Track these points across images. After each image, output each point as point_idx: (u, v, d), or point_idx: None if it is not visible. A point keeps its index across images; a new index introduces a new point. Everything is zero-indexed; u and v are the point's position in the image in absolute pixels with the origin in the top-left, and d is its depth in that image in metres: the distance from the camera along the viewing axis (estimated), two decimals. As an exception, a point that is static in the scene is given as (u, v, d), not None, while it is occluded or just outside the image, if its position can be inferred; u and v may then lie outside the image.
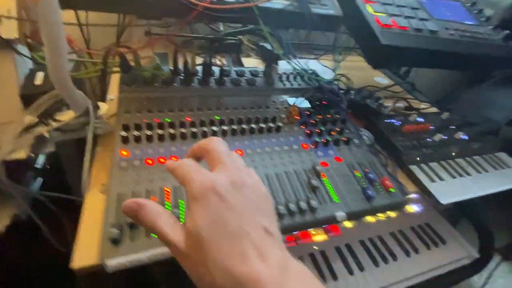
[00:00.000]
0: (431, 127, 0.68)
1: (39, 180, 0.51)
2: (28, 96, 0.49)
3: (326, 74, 0.79)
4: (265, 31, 0.52)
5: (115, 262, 0.32)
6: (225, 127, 0.50)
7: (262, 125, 0.54)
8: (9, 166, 0.42)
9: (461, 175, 0.59)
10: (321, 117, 0.60)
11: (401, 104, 0.81)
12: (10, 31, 0.49)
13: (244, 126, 0.52)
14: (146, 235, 0.35)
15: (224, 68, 0.61)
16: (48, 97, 0.48)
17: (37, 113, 0.48)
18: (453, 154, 0.64)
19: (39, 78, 0.52)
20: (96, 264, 0.32)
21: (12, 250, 0.50)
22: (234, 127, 0.51)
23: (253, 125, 0.52)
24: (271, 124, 0.54)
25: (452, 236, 0.69)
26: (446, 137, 0.66)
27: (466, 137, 0.68)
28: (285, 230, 0.41)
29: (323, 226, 0.64)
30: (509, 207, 1.04)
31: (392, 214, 0.73)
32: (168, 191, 0.40)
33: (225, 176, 0.23)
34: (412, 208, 0.76)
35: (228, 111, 0.55)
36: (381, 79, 0.99)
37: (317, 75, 0.70)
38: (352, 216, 0.45)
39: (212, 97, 0.57)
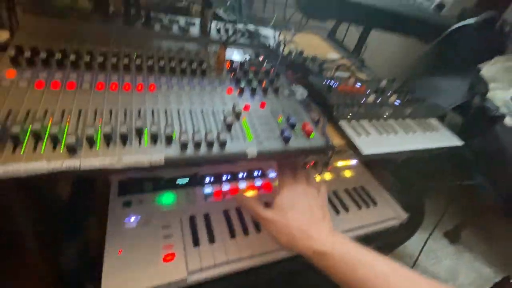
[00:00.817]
0: (367, 91, 0.69)
1: None
2: None
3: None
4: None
5: None
6: (139, 63, 0.47)
7: (186, 66, 0.50)
8: None
9: (388, 132, 0.60)
10: (254, 69, 0.58)
11: (344, 75, 0.82)
12: None
13: (163, 63, 0.49)
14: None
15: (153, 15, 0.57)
16: None
17: None
18: (385, 115, 0.65)
19: None
20: None
21: None
22: (151, 63, 0.48)
23: (174, 65, 0.49)
24: (195, 67, 0.51)
25: (384, 199, 0.71)
26: (380, 99, 0.67)
27: (399, 102, 0.69)
28: (190, 161, 0.38)
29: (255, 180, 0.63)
30: (457, 196, 1.09)
31: (327, 176, 0.73)
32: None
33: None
34: (348, 172, 0.77)
35: (149, 52, 0.51)
36: (334, 54, 1.00)
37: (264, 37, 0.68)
38: (265, 154, 0.43)
39: (135, 37, 0.53)
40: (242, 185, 0.62)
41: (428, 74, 0.98)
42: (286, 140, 0.45)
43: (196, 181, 0.59)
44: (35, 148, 0.31)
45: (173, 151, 0.37)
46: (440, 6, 0.68)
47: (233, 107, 0.47)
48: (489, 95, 0.93)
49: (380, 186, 0.73)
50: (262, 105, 0.51)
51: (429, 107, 0.73)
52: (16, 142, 0.31)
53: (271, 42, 0.70)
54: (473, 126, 0.86)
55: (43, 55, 0.41)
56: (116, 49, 0.49)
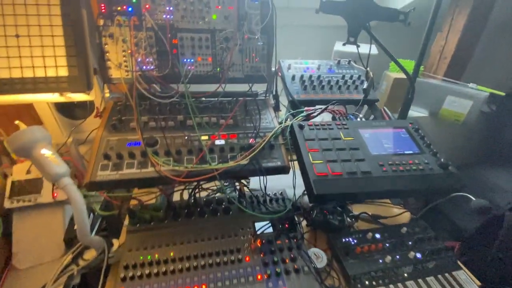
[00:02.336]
0: (386, 245, 0.77)
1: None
2: (70, 239, 0.73)
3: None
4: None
5: None
6: (197, 263, 0.67)
7: (227, 257, 0.69)
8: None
9: (407, 302, 0.65)
10: (280, 242, 0.74)
11: (367, 214, 0.91)
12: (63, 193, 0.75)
13: (212, 260, 0.68)
14: None
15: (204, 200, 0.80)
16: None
17: (73, 255, 0.70)
18: (405, 275, 0.70)
19: (77, 222, 0.76)
20: None
21: None
22: (204, 262, 0.68)
23: (218, 259, 0.68)
24: (233, 257, 0.69)
25: None
26: (398, 257, 0.73)
27: (420, 256, 0.74)
28: None
29: None
30: None
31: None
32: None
33: None
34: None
35: (203, 243, 0.72)
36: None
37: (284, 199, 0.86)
38: None
39: (193, 230, 0.76)
40: None
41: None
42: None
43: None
44: None
45: None
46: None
47: (262, 299, 0.62)
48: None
49: None
50: (285, 290, 0.64)
51: (451, 259, 0.75)
52: None
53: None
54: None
55: (140, 270, 0.65)
56: (182, 246, 0.71)
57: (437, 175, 0.75)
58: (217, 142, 0.75)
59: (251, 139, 0.77)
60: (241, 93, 0.90)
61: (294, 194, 0.86)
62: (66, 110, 1.07)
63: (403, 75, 1.45)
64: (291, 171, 0.77)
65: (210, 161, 0.70)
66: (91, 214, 0.81)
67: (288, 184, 0.83)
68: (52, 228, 0.74)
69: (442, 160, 0.77)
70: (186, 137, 0.75)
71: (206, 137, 0.76)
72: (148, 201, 0.81)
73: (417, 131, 0.87)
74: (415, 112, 1.53)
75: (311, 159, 0.74)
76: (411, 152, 0.81)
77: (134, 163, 0.68)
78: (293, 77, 1.05)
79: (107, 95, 0.86)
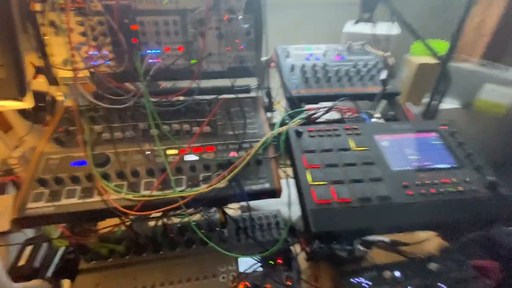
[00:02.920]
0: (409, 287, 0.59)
1: None
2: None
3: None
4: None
5: None
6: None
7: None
8: None
9: None
10: (269, 287, 0.58)
11: (384, 239, 0.73)
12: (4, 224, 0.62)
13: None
14: None
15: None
16: None
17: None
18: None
19: (24, 257, 0.63)
20: None
21: None
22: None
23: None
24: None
25: None
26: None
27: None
28: None
29: None
30: None
31: None
32: None
33: None
34: None
35: (173, 286, 0.57)
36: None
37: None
38: None
39: (161, 267, 0.60)
40: None
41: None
42: None
43: None
44: None
45: None
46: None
47: None
48: None
49: None
50: None
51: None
52: None
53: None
54: None
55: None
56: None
57: (483, 199, 0.55)
58: (187, 157, 0.59)
59: (233, 152, 0.60)
60: (221, 90, 0.72)
61: (290, 216, 0.69)
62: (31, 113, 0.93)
63: (428, 60, 1.21)
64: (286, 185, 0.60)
65: (174, 185, 0.53)
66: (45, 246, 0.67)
67: (283, 200, 0.66)
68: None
69: (489, 177, 0.57)
70: (147, 152, 0.59)
71: (174, 152, 0.59)
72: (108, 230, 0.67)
73: (453, 135, 0.66)
74: (443, 103, 1.29)
75: (309, 179, 0.56)
76: (445, 166, 0.60)
77: (77, 190, 0.53)
78: (292, 68, 0.85)
79: (60, 98, 0.71)
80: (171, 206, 0.51)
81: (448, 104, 1.27)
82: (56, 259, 0.61)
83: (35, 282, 0.53)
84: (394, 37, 0.96)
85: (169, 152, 0.59)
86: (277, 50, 0.92)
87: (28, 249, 0.64)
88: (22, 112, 0.86)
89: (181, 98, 0.68)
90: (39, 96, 0.70)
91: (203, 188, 0.53)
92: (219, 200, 0.55)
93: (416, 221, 0.53)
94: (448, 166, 0.60)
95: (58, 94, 0.70)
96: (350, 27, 1.15)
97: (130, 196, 0.52)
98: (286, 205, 0.64)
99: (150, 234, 0.64)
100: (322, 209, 0.52)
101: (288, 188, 0.60)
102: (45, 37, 0.61)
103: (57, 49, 0.62)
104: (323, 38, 1.41)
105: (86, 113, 0.64)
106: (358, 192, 0.54)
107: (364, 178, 0.57)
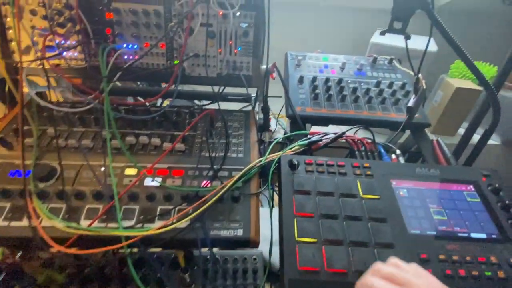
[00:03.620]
0: None
1: None
2: None
3: None
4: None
5: None
6: None
7: None
8: None
9: None
10: None
11: None
12: None
13: None
14: None
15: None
16: None
17: None
18: None
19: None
20: None
21: None
22: None
23: None
24: None
25: None
26: None
27: None
28: None
29: None
30: None
31: None
32: None
33: None
34: None
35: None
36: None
37: None
38: None
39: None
40: None
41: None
42: None
43: None
44: None
45: None
46: None
47: None
48: None
49: None
50: None
51: None
52: None
53: None
54: None
55: None
56: None
57: (536, 294, 0.39)
58: (148, 182, 0.47)
59: (205, 182, 0.48)
60: (209, 97, 0.60)
61: (270, 262, 0.55)
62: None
63: (468, 85, 1.02)
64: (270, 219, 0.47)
65: (120, 220, 0.42)
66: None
67: (264, 233, 0.52)
68: None
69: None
70: (101, 169, 0.48)
71: (133, 172, 0.48)
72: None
73: (497, 192, 0.50)
74: (477, 135, 1.10)
75: (296, 233, 0.42)
76: (483, 236, 0.45)
77: (5, 209, 0.42)
78: (301, 79, 0.72)
79: (25, 90, 0.62)
80: (112, 247, 0.40)
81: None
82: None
83: None
84: (429, 54, 0.79)
85: (128, 171, 0.48)
86: (287, 56, 0.79)
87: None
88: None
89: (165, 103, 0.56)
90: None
91: (156, 227, 0.42)
92: (176, 243, 0.43)
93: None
94: (486, 237, 0.45)
95: (24, 85, 0.61)
96: (378, 38, 1.00)
97: (62, 226, 0.41)
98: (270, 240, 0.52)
99: (99, 264, 0.53)
100: (306, 280, 0.39)
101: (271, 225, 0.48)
102: (5, 18, 0.52)
103: (19, 34, 0.52)
104: (346, 49, 1.25)
105: (44, 112, 0.54)
106: (358, 261, 0.40)
107: (370, 241, 0.42)
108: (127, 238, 0.40)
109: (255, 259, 0.58)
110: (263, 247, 0.59)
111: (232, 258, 0.58)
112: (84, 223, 0.42)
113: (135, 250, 0.43)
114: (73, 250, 0.40)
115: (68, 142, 0.50)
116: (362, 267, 0.39)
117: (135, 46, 0.54)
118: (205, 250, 0.45)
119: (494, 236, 0.45)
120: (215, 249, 0.60)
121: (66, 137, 0.51)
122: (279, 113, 0.84)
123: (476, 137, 0.87)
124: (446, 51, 0.94)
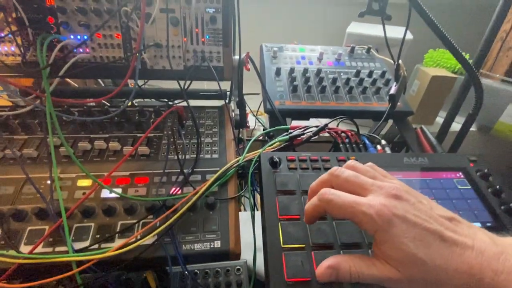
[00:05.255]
0: None
1: None
2: None
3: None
4: None
5: None
6: None
7: None
8: None
9: None
10: None
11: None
12: None
13: None
14: None
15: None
16: None
17: None
18: None
19: None
20: None
21: None
22: None
23: None
24: None
25: None
26: None
27: None
28: None
29: None
30: None
31: None
32: None
33: (386, 195, 0.26)
34: None
35: None
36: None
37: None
38: None
39: None
40: None
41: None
42: None
43: None
44: None
45: None
46: None
47: None
48: None
49: None
50: None
51: None
52: None
53: None
54: None
55: None
56: None
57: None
58: (105, 193, 0.40)
59: (174, 188, 0.41)
60: (176, 95, 0.53)
61: (255, 272, 0.50)
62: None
63: (443, 72, 1.03)
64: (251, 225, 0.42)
65: (69, 242, 0.35)
66: None
67: (249, 239, 0.47)
68: None
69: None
70: (48, 182, 0.40)
71: (87, 183, 0.41)
72: None
73: (486, 178, 0.48)
74: (454, 123, 1.12)
75: (281, 239, 0.37)
76: (478, 226, 0.42)
77: None
78: (278, 71, 0.67)
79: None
80: (60, 276, 0.33)
81: (459, 124, 1.09)
82: None
83: None
84: (406, 42, 0.78)
85: (81, 183, 0.41)
86: (262, 48, 0.75)
87: None
88: None
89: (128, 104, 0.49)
90: None
91: (116, 247, 0.35)
92: (142, 263, 0.36)
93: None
94: (482, 226, 0.42)
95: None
96: (355, 27, 0.98)
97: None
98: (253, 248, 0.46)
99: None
100: (295, 293, 0.34)
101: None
102: None
103: None
104: (322, 40, 1.23)
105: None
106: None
107: (363, 241, 0.38)
108: (80, 263, 0.33)
109: (238, 269, 0.53)
110: (247, 255, 0.53)
111: (213, 271, 0.51)
112: (25, 249, 0.35)
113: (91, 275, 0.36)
114: (15, 285, 0.32)
115: (5, 152, 0.42)
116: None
117: (85, 37, 0.47)
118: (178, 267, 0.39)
119: (488, 224, 0.43)
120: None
121: (3, 148, 0.43)
122: (258, 109, 0.79)
123: (454, 125, 0.87)
124: (421, 40, 0.94)
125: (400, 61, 0.62)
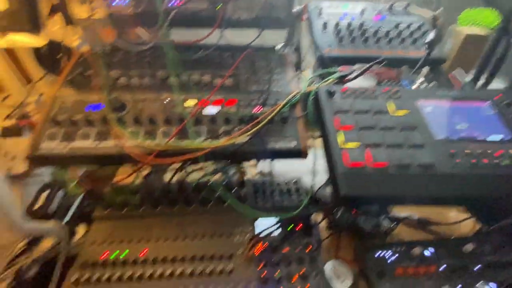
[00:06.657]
0: (441, 267, 0.53)
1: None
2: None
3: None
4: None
5: None
6: (173, 269, 0.50)
7: (213, 266, 0.51)
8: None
9: None
10: (287, 250, 0.54)
11: (412, 216, 0.67)
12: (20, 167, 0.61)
13: (193, 267, 0.51)
14: None
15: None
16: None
17: (28, 240, 0.57)
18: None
19: (41, 200, 0.63)
20: None
21: None
22: (183, 268, 0.51)
23: (201, 267, 0.51)
24: (222, 266, 0.51)
25: None
26: (460, 289, 0.50)
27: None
28: None
29: None
30: None
31: None
32: None
33: None
34: None
35: (185, 242, 0.55)
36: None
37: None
38: None
39: (175, 222, 0.58)
40: None
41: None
42: None
43: None
44: None
45: None
46: None
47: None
48: None
49: None
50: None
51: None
52: None
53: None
54: None
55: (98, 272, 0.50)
56: (158, 243, 0.54)
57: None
58: (207, 110, 0.54)
59: (256, 107, 0.55)
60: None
61: (313, 184, 0.64)
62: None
63: (478, 31, 1.06)
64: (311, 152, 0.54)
65: (193, 136, 0.49)
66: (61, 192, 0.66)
67: (306, 169, 0.61)
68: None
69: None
70: (166, 101, 0.55)
71: (192, 102, 0.55)
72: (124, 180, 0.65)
73: (510, 106, 0.57)
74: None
75: (341, 142, 0.50)
76: (500, 138, 0.53)
77: (91, 133, 0.50)
78: (325, 25, 0.77)
79: (76, 43, 0.67)
80: (188, 157, 0.48)
81: (494, 83, 1.13)
82: (72, 205, 0.60)
83: (50, 223, 0.53)
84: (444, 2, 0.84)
85: (188, 103, 0.55)
86: (308, 6, 0.84)
87: (44, 195, 0.64)
88: (39, 59, 0.83)
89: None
90: (54, 46, 0.66)
91: (222, 141, 0.49)
92: (239, 155, 0.51)
93: (462, 194, 0.46)
94: (503, 139, 0.53)
95: (74, 39, 0.67)
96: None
97: (146, 143, 0.48)
98: (308, 174, 0.60)
99: (167, 189, 0.61)
100: (354, 172, 0.47)
101: (314, 157, 0.55)
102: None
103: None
104: None
105: (102, 58, 0.60)
106: (396, 157, 0.48)
107: (404, 143, 0.50)
108: (200, 149, 0.48)
109: (296, 182, 0.67)
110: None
111: (277, 182, 0.66)
112: (161, 142, 0.50)
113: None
114: (158, 160, 0.47)
115: (131, 81, 0.57)
116: (399, 161, 0.47)
117: (181, -7, 0.59)
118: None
119: (509, 138, 0.53)
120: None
121: (127, 77, 0.58)
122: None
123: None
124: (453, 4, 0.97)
125: (437, 12, 0.69)
